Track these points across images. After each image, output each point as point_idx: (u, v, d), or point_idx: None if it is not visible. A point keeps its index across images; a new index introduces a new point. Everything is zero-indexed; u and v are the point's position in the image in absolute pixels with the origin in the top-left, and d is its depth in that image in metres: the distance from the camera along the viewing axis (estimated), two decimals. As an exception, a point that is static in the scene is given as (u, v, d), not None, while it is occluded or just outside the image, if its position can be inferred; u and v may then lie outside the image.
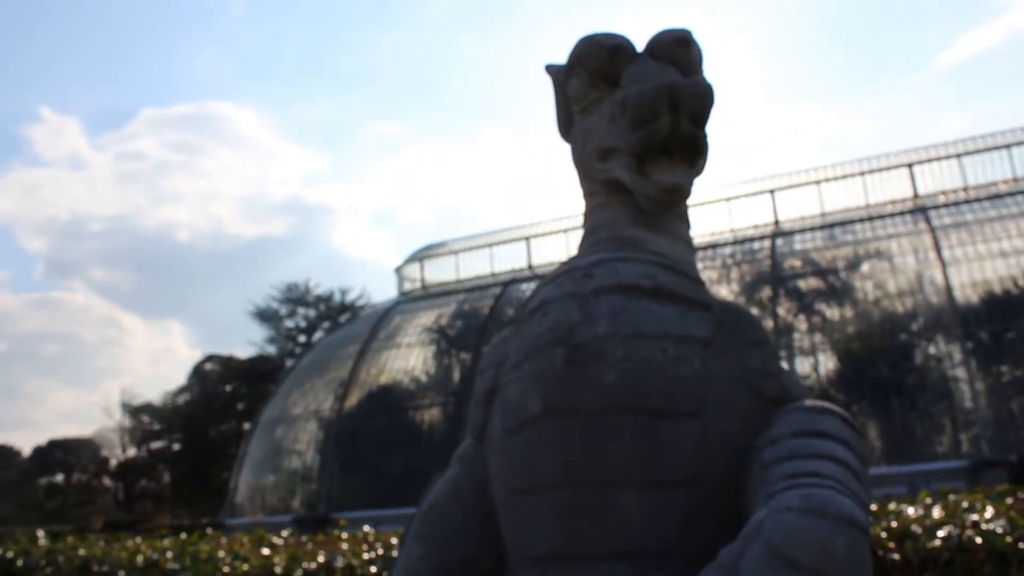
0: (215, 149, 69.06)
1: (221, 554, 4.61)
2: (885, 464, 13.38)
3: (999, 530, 3.07)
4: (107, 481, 45.76)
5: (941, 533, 3.13)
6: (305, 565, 4.06)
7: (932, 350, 14.75)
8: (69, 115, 71.03)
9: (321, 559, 4.12)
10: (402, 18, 75.42)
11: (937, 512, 3.35)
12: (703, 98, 1.65)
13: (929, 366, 14.67)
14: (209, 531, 6.33)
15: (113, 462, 44.89)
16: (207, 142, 69.78)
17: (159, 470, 43.63)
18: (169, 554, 4.89)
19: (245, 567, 4.27)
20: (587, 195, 1.90)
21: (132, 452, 43.81)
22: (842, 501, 1.24)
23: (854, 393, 14.45)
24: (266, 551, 4.58)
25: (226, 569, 4.29)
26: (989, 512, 3.31)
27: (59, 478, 46.35)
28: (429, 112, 75.33)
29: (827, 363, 15.34)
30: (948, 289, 14.27)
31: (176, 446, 42.16)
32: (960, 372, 14.17)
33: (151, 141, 68.60)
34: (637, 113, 1.64)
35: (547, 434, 1.56)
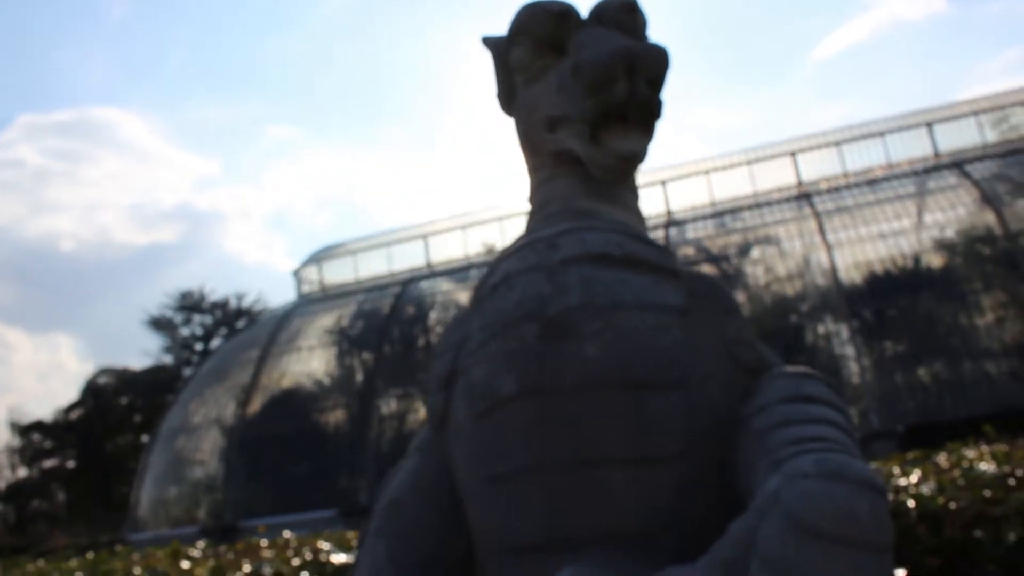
0: (100, 156, 66.61)
1: (137, 571, 4.43)
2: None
3: (928, 492, 3.15)
4: (-4, 504, 43.82)
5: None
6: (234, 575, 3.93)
7: (821, 330, 15.30)
8: (-62, 123, 67.50)
9: (247, 568, 3.98)
10: (290, 20, 74.19)
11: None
12: (660, 61, 1.59)
13: (819, 345, 15.22)
14: (118, 548, 6.12)
15: (2, 484, 43.02)
16: (91, 149, 67.17)
17: (52, 489, 41.94)
18: (79, 575, 4.71)
19: None
20: (532, 170, 1.83)
21: (22, 473, 42.03)
22: (858, 464, 1.19)
23: (749, 374, 14.83)
24: (186, 564, 4.43)
25: None
26: (915, 476, 3.40)
27: (-56, 504, 44.18)
28: (322, 115, 74.30)
29: (723, 347, 15.67)
30: (834, 271, 14.83)
31: (70, 463, 40.61)
32: (848, 350, 14.72)
33: (30, 148, 65.71)
34: (592, 78, 1.57)
35: (524, 415, 1.48)
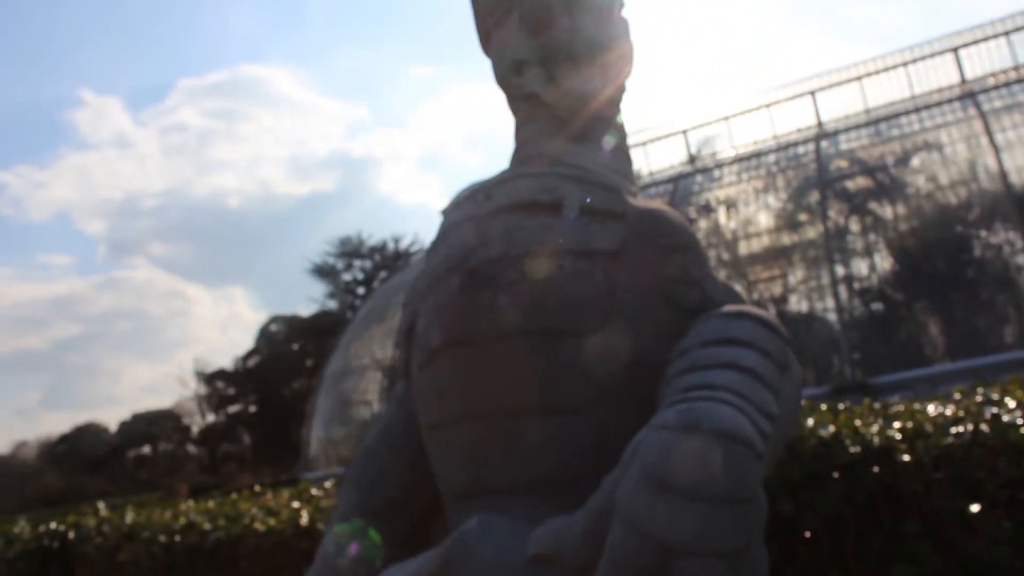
0: (254, 112, 69.71)
1: (254, 511, 4.67)
2: (949, 360, 13.08)
3: (1018, 422, 2.93)
4: (191, 448, 47.28)
5: (954, 430, 3.00)
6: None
7: (991, 240, 14.31)
8: (109, 95, 71.85)
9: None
10: (426, -40, 74.24)
11: (950, 409, 3.20)
12: None
13: (988, 256, 14.25)
14: (257, 488, 6.43)
15: (195, 429, 46.34)
16: (245, 106, 70.41)
17: (239, 433, 44.86)
18: (208, 514, 5.00)
19: (272, 521, 4.31)
20: (512, 112, 1.83)
21: (211, 418, 45.11)
22: (722, 412, 1.13)
23: (913, 291, 14.15)
24: (296, 504, 4.63)
25: (256, 525, 4.35)
26: (1011, 404, 3.13)
27: (146, 449, 48.03)
28: (465, 52, 74.53)
29: (883, 263, 14.96)
30: (1003, 175, 13.74)
31: (252, 408, 43.23)
32: (1021, 260, 13.74)
33: (191, 111, 69.50)
34: (532, 18, 1.58)
35: (448, 367, 1.53)
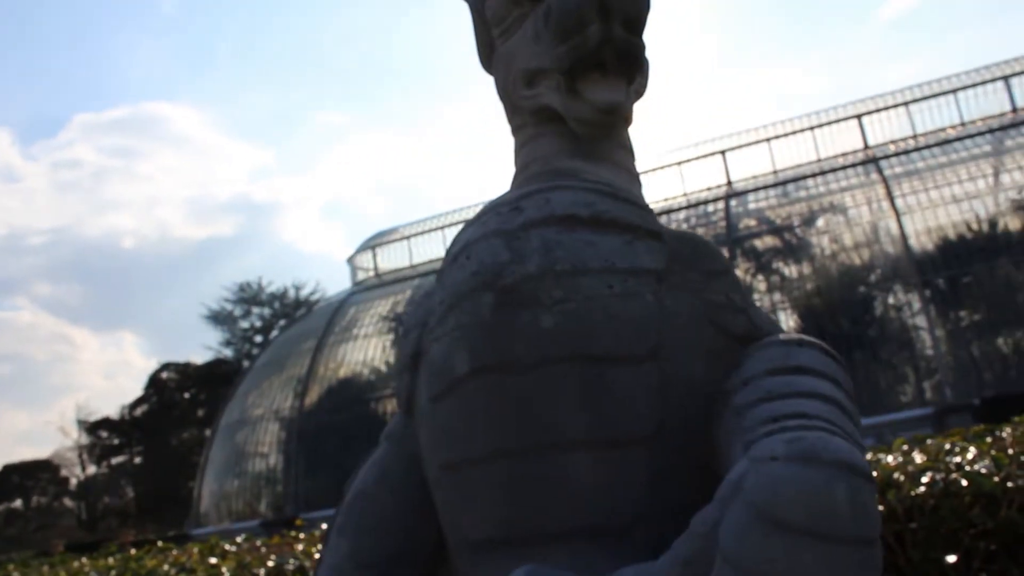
0: (155, 151, 67.51)
1: (166, 567, 4.31)
2: (853, 417, 13.30)
3: (984, 471, 2.91)
4: (68, 502, 44.90)
5: (925, 479, 2.96)
6: (256, 571, 3.77)
7: (891, 300, 14.81)
8: (-2, 126, 69.06)
9: (271, 563, 3.83)
10: (339, 4, 74.39)
11: (919, 458, 3.19)
12: (636, 1, 1.46)
13: (889, 316, 14.72)
14: (160, 543, 5.98)
15: (73, 481, 44.03)
16: (146, 144, 68.11)
17: (122, 486, 42.88)
18: (113, 573, 4.61)
19: None
20: (515, 130, 1.70)
21: (92, 470, 42.97)
22: (838, 443, 1.03)
23: (818, 349, 14.38)
24: (214, 560, 4.29)
25: None
26: (971, 453, 3.16)
27: (17, 503, 45.34)
28: (374, 99, 74.63)
29: (788, 321, 15.27)
30: (903, 238, 14.26)
31: (138, 459, 41.44)
32: (920, 320, 14.23)
33: (87, 147, 66.97)
34: (562, 22, 1.44)
35: (478, 396, 1.36)
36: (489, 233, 1.46)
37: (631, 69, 1.50)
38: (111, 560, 5.24)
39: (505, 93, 1.67)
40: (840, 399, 1.22)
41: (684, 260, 1.42)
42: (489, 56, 1.74)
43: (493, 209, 1.53)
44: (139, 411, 40.87)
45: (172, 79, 71.08)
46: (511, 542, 1.32)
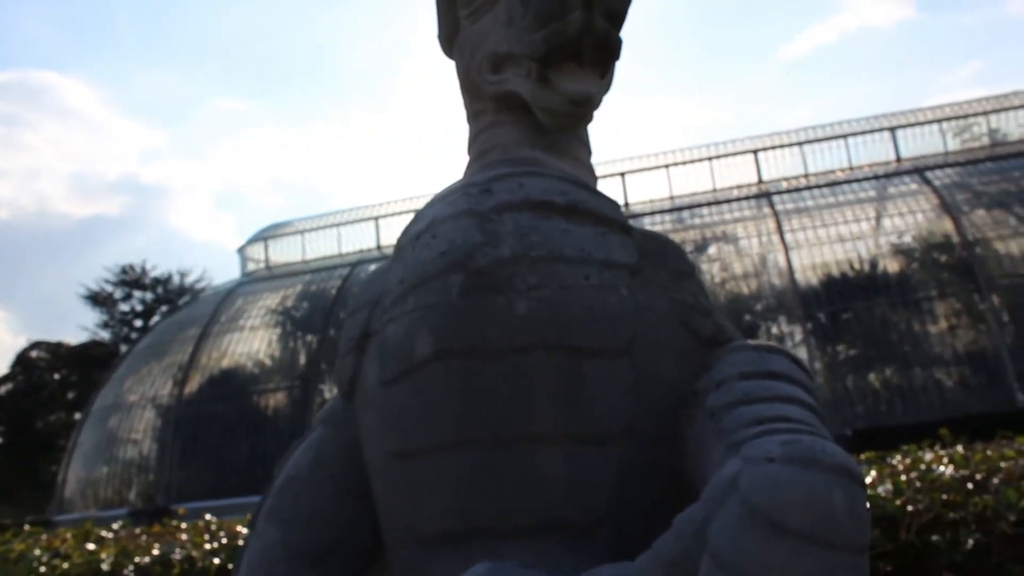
0: (40, 121, 64.73)
1: (37, 552, 4.09)
2: (731, 441, 13.71)
3: (883, 494, 3.00)
4: (-82, 479, 42.46)
5: None
6: (137, 559, 3.63)
7: (775, 330, 15.27)
8: None
9: (156, 552, 3.70)
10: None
11: None
12: None
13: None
14: (27, 527, 5.69)
15: (-75, 459, 41.68)
16: (31, 113, 65.27)
17: (-22, 466, 40.78)
18: None
19: (65, 566, 3.78)
20: (473, 116, 1.64)
21: (-53, 447, 40.76)
22: (834, 448, 1.02)
23: (702, 372, 14.79)
24: (92, 546, 4.10)
25: (43, 570, 3.80)
26: (870, 478, 3.26)
27: None
28: (274, 91, 73.30)
29: (676, 344, 15.59)
30: (791, 271, 14.80)
31: (-2, 440, 39.50)
32: (801, 351, 14.70)
33: (-36, 110, 63.75)
34: (544, 6, 1.38)
35: (441, 381, 1.29)
36: (458, 213, 1.39)
37: (607, 62, 1.47)
38: None
39: (467, 77, 1.61)
40: (814, 405, 1.22)
41: (654, 258, 1.40)
42: (451, 38, 1.67)
43: (460, 190, 1.46)
44: (3, 389, 38.96)
45: (63, 49, 68.42)
46: (469, 536, 1.27)
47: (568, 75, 1.42)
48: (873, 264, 14.97)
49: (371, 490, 1.43)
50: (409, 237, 1.47)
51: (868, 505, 1.01)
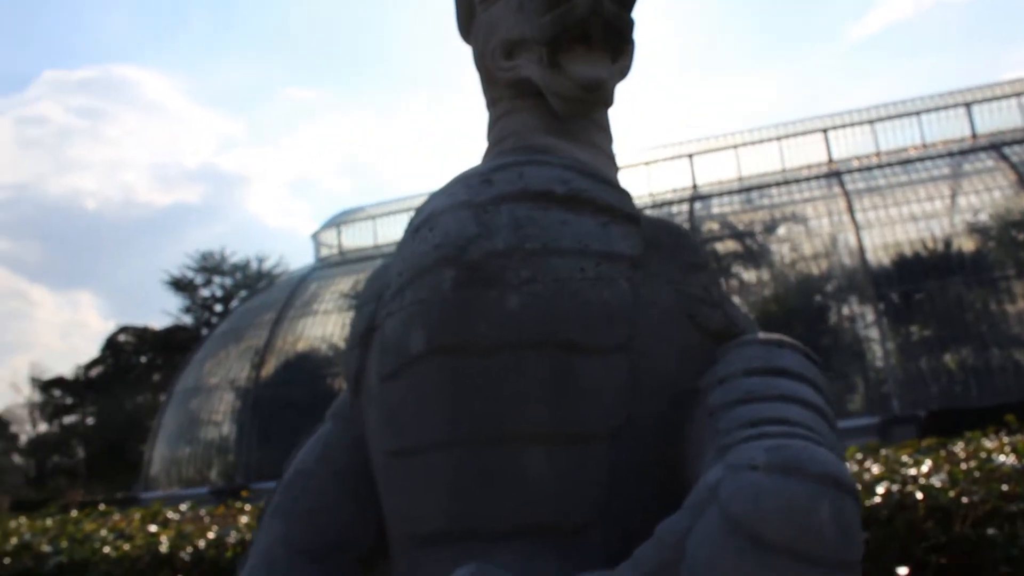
0: (123, 114, 66.61)
1: (103, 532, 4.19)
2: (800, 424, 13.55)
3: (939, 484, 2.88)
4: (17, 459, 44.30)
5: (880, 490, 2.92)
6: (195, 542, 3.71)
7: (846, 311, 15.04)
8: (-36, 77, 67.64)
9: (211, 535, 3.77)
10: (318, -19, 73.58)
11: (874, 468, 3.15)
12: None
13: (843, 327, 14.97)
14: (103, 507, 5.90)
15: (23, 439, 43.48)
16: (114, 106, 67.20)
17: (72, 445, 42.35)
18: (50, 534, 4.46)
19: (127, 547, 3.87)
20: (491, 103, 1.60)
21: (43, 428, 42.45)
22: (824, 455, 0.96)
23: (770, 354, 14.61)
24: (154, 528, 4.20)
25: (107, 550, 3.89)
26: (926, 466, 3.13)
27: (-35, 457, 44.72)
28: (346, 78, 74.03)
29: (744, 325, 15.44)
30: (861, 251, 14.51)
31: (90, 420, 40.96)
32: (872, 332, 14.48)
33: (54, 105, 65.88)
34: None
35: (433, 378, 1.26)
36: (456, 205, 1.35)
37: (618, 45, 1.42)
38: (49, 521, 5.04)
39: (482, 64, 1.57)
40: (821, 405, 1.14)
41: (662, 249, 1.34)
42: (468, 25, 1.63)
43: (462, 180, 1.42)
44: (94, 372, 40.40)
45: (142, 43, 69.99)
46: (457, 538, 1.23)
47: (578, 59, 1.38)
48: (947, 243, 14.60)
49: (376, 488, 1.40)
50: (410, 230, 1.44)
51: (859, 517, 0.95)
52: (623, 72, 1.49)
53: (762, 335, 1.28)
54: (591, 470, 1.20)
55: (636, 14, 1.43)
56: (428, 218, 1.39)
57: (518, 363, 1.22)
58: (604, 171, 1.44)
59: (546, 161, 1.39)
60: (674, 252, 1.35)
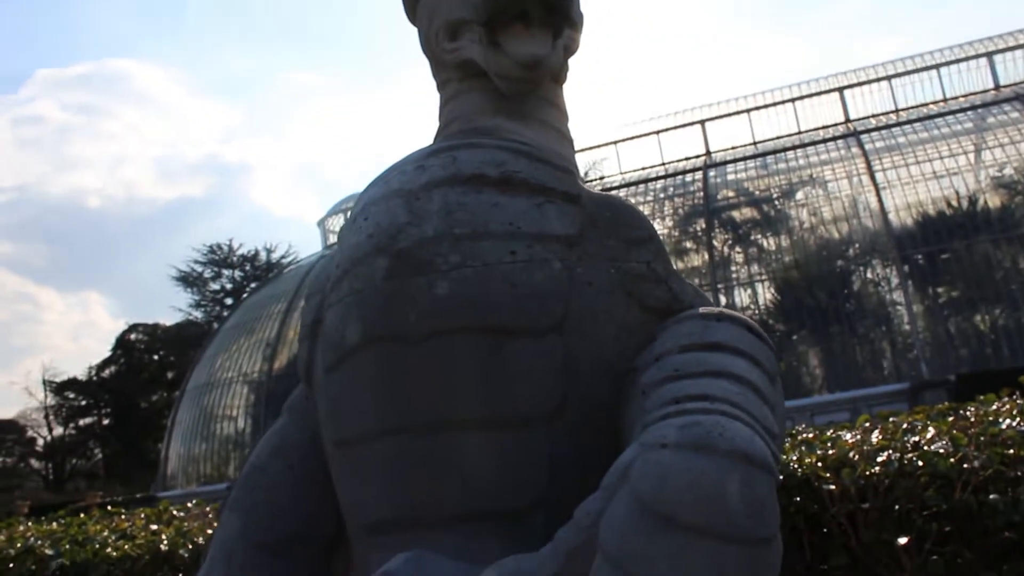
0: (121, 109, 66.44)
1: (106, 534, 4.12)
2: (827, 391, 13.35)
3: (941, 451, 2.82)
4: (35, 463, 44.48)
5: (880, 458, 2.87)
6: (195, 539, 3.61)
7: (869, 275, 14.77)
8: (-45, 80, 67.51)
9: (210, 531, 3.63)
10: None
11: (876, 437, 3.11)
12: None
13: (867, 291, 14.67)
14: (109, 507, 5.85)
15: (40, 442, 43.60)
16: (112, 102, 67.05)
17: (89, 447, 42.52)
18: (55, 537, 4.40)
19: (127, 547, 3.80)
20: (440, 86, 1.60)
21: (59, 431, 42.57)
22: (736, 429, 0.96)
23: (794, 322, 14.43)
24: (155, 527, 4.14)
25: (108, 550, 3.82)
26: (930, 433, 3.06)
27: (-17, 462, 44.91)
28: (346, 61, 73.83)
29: (765, 293, 15.25)
30: (883, 212, 14.18)
31: (106, 421, 41.09)
32: (897, 295, 14.19)
33: (50, 104, 65.77)
34: None
35: (368, 368, 1.28)
36: (390, 193, 1.37)
37: (557, 21, 1.42)
38: (55, 525, 5.04)
39: (428, 46, 1.58)
40: (754, 380, 1.12)
41: (603, 226, 1.34)
42: (414, 7, 1.63)
43: (398, 167, 1.44)
44: (107, 372, 40.48)
45: (136, 35, 69.82)
46: (401, 526, 1.24)
47: (516, 38, 1.39)
48: (972, 200, 14.21)
49: (331, 479, 1.41)
50: (349, 220, 1.45)
51: (774, 492, 0.93)
52: (569, 48, 1.50)
53: (702, 309, 1.28)
54: (529, 455, 1.22)
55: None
56: (364, 207, 1.41)
57: (448, 349, 1.23)
58: (550, 149, 1.44)
59: (481, 144, 1.39)
60: (615, 228, 1.35)
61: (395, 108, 69.71)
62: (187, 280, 38.80)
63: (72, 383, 41.26)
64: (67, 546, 4.11)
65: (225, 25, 71.96)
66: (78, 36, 69.93)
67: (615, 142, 18.31)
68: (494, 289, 1.24)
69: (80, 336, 62.03)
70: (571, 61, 1.57)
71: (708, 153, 17.37)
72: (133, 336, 40.69)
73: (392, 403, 1.26)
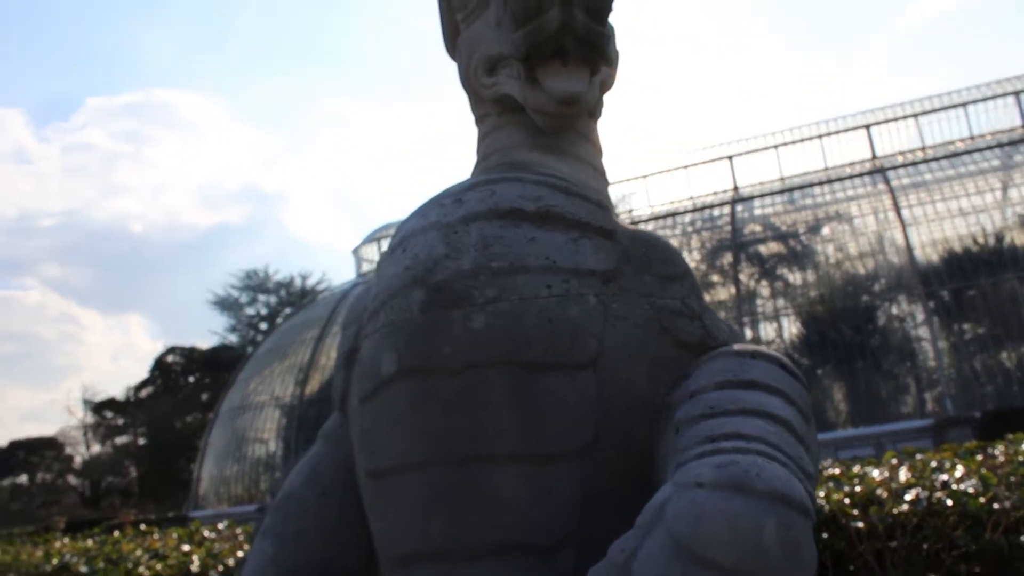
0: (165, 137, 67.65)
1: (139, 553, 4.25)
2: (851, 426, 13.30)
3: (970, 490, 2.79)
4: (72, 479, 45.01)
5: (908, 496, 2.84)
6: (225, 560, 3.71)
7: (895, 311, 14.68)
8: (13, 107, 69.06)
9: (241, 554, 3.78)
10: (351, -1, 74.23)
11: (904, 474, 3.08)
12: None
13: (892, 327, 14.61)
14: (143, 527, 5.98)
15: (78, 460, 44.17)
16: (156, 130, 68.28)
17: (125, 466, 42.95)
18: (90, 554, 4.55)
19: (159, 567, 3.90)
20: (479, 120, 1.63)
21: (96, 449, 43.11)
22: (773, 470, 0.95)
23: (819, 356, 14.37)
24: (187, 547, 4.24)
25: (141, 569, 3.93)
26: (959, 471, 3.04)
27: (23, 479, 45.50)
28: (379, 91, 74.42)
29: (791, 327, 15.22)
30: (908, 249, 14.17)
31: (141, 440, 41.51)
32: (923, 331, 14.12)
33: (98, 131, 67.09)
34: (520, 6, 1.36)
35: (402, 399, 1.27)
36: (428, 226, 1.37)
37: (594, 58, 1.43)
38: (90, 542, 5.17)
39: (467, 81, 1.60)
40: (789, 418, 1.11)
41: (638, 262, 1.34)
42: (454, 42, 1.67)
43: (436, 201, 1.44)
44: (144, 393, 40.95)
45: (180, 64, 71.01)
46: (432, 558, 1.23)
47: (554, 74, 1.41)
48: (999, 237, 14.18)
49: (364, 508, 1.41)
50: (387, 252, 1.46)
51: (810, 535, 0.94)
52: (606, 84, 1.51)
53: (737, 346, 1.28)
54: (561, 489, 1.20)
55: (618, 22, 1.49)
56: (402, 240, 1.41)
57: (482, 383, 1.22)
58: (586, 184, 1.45)
59: (519, 178, 1.39)
60: (650, 264, 1.35)
61: (429, 135, 70.26)
62: (224, 305, 39.30)
63: (110, 403, 41.81)
64: (101, 564, 4.19)
65: (264, 53, 73.05)
66: (126, 66, 71.37)
67: (644, 176, 18.48)
68: (529, 323, 1.23)
69: (120, 357, 62.89)
70: (605, 97, 1.58)
71: (736, 188, 17.46)
72: (170, 358, 41.17)
73: (425, 435, 1.25)
